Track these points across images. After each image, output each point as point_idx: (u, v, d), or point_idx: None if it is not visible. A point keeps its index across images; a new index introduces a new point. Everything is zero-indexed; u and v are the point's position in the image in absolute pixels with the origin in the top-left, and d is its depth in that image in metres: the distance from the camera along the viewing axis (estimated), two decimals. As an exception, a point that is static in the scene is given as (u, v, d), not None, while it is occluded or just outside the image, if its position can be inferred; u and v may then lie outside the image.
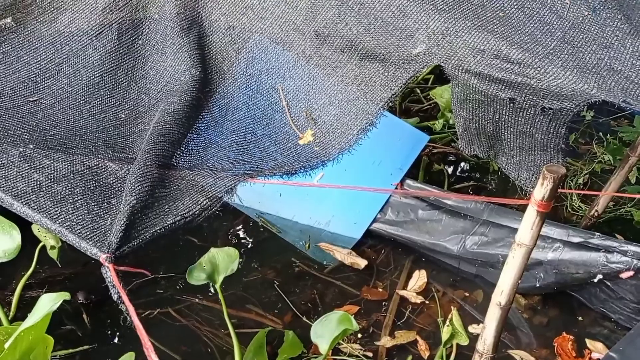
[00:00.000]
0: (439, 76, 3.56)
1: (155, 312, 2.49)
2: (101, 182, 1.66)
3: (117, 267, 1.31)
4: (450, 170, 3.27)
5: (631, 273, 2.16)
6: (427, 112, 3.53)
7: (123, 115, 2.10)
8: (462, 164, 3.31)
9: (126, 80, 2.23)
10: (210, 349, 2.36)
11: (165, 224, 1.51)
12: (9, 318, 2.33)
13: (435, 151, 3.27)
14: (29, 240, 2.41)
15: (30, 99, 2.10)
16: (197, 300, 2.54)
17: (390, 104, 2.26)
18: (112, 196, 1.61)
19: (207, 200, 1.63)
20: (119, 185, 1.66)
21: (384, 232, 2.78)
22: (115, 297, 1.29)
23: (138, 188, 1.55)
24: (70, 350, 2.29)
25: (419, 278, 2.62)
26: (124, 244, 1.38)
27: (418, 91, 3.64)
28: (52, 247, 2.42)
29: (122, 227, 1.40)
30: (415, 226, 2.70)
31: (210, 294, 2.54)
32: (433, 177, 3.16)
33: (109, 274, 1.28)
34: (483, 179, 3.20)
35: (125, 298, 1.24)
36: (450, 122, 3.22)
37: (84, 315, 2.46)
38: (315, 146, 2.23)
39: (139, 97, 2.19)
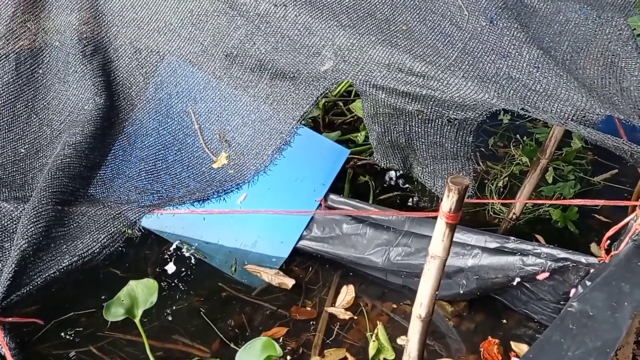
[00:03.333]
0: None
1: (76, 352, 2.38)
2: (-7, 226, 1.57)
3: (4, 319, 1.23)
4: (377, 180, 3.28)
5: (547, 274, 2.21)
6: (351, 124, 3.54)
7: (23, 150, 2.01)
8: (388, 174, 3.32)
9: (26, 112, 2.14)
10: (135, 385, 2.28)
11: (61, 267, 1.44)
12: None
13: (359, 163, 3.27)
14: None
15: None
16: (120, 335, 2.44)
17: (303, 122, 2.25)
18: (5, 240, 1.53)
19: (108, 237, 1.56)
20: (13, 227, 1.57)
21: (311, 249, 2.76)
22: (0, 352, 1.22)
23: (31, 230, 1.48)
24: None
25: (347, 293, 2.60)
26: (11, 294, 1.31)
27: (341, 104, 3.65)
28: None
29: (10, 276, 1.33)
30: (340, 241, 2.69)
31: (134, 327, 2.44)
32: (359, 189, 3.15)
33: (-7, 327, 1.21)
34: (408, 188, 3.22)
35: (7, 354, 1.16)
36: (373, 133, 3.23)
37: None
38: (230, 169, 2.20)
39: (40, 129, 2.11)
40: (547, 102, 1.78)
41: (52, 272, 1.40)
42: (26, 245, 1.42)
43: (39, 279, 1.37)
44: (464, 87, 1.89)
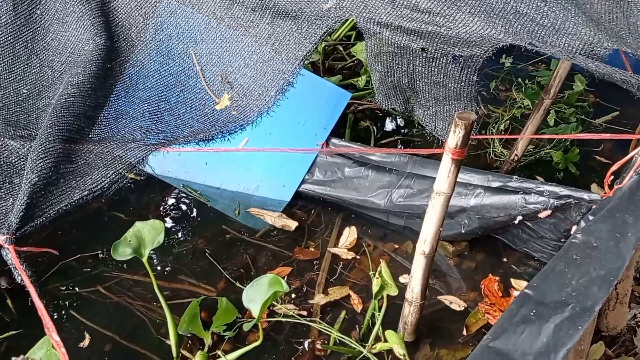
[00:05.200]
0: (361, 33, 3.53)
1: (84, 292, 2.43)
2: (2, 162, 1.57)
3: (19, 248, 1.25)
4: (377, 125, 3.28)
5: (549, 212, 2.23)
6: (351, 69, 3.52)
7: (25, 91, 1.99)
8: (388, 119, 3.32)
9: (26, 53, 2.11)
10: (144, 323, 2.32)
11: (72, 200, 1.45)
12: None
13: (360, 108, 3.27)
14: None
15: None
16: (127, 275, 2.49)
17: (306, 62, 2.23)
18: (14, 176, 1.54)
19: (116, 173, 1.57)
20: (21, 164, 1.58)
21: (313, 192, 2.78)
22: (18, 279, 1.24)
23: (40, 165, 1.48)
24: (-3, 337, 2.22)
25: (349, 234, 2.64)
26: (25, 224, 1.32)
27: (341, 49, 3.61)
28: (-35, 235, 2.30)
29: (23, 207, 1.34)
30: (343, 184, 2.71)
31: (140, 268, 2.48)
32: (360, 134, 3.16)
33: (10, 255, 1.22)
34: (409, 132, 3.23)
35: (26, 280, 1.19)
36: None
37: (9, 301, 2.37)
38: (232, 110, 2.19)
39: (41, 70, 2.08)
40: (555, 36, 1.77)
41: (63, 205, 1.41)
42: (36, 179, 1.43)
43: (51, 211, 1.39)
44: (471, 22, 1.86)
